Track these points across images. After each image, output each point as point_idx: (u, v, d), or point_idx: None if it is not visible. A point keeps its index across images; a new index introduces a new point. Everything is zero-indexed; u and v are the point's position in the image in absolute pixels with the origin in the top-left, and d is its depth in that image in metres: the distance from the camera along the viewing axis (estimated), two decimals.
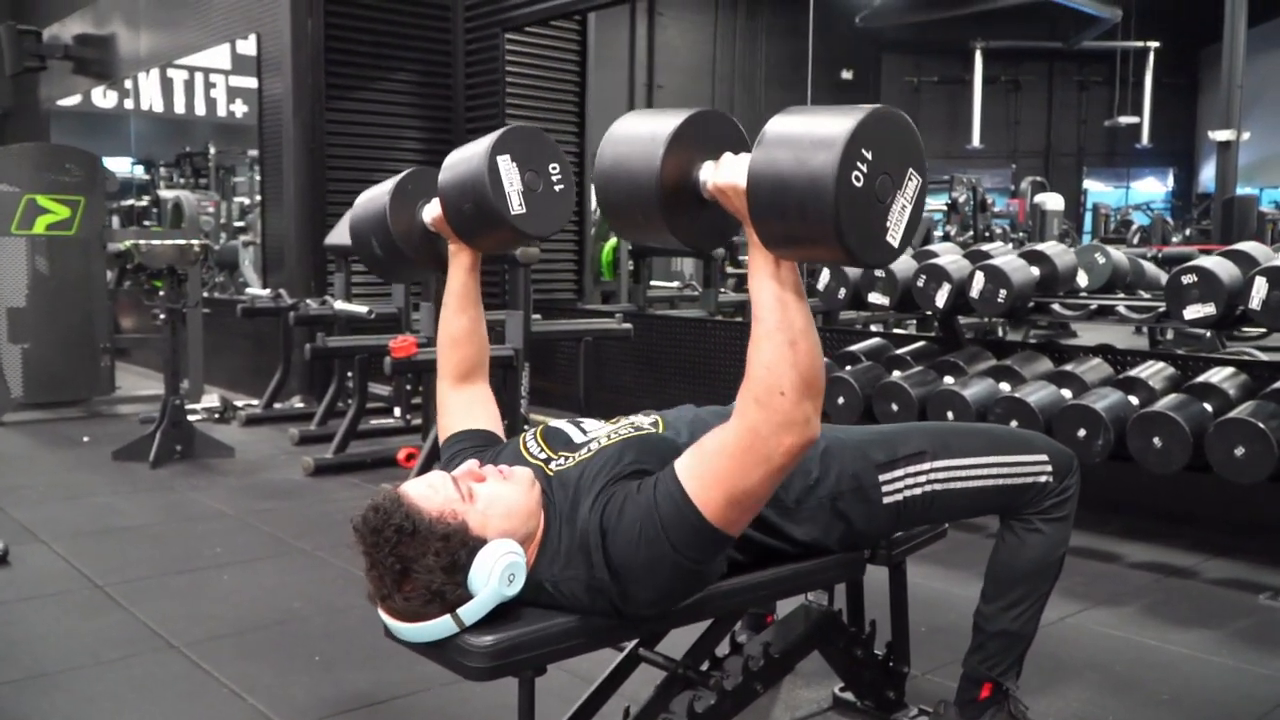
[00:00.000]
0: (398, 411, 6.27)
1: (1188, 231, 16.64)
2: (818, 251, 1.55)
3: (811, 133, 1.49)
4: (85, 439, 6.02)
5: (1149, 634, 3.11)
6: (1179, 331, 8.32)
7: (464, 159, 2.10)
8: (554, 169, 2.15)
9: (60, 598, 3.39)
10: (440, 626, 1.71)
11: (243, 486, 4.93)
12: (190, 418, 5.71)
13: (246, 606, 3.31)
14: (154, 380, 7.17)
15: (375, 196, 2.35)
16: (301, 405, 6.88)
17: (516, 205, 2.07)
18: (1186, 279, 3.56)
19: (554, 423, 2.04)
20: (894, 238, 1.55)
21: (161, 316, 5.49)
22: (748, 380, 1.62)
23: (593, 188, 9.92)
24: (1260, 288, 3.38)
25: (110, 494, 4.76)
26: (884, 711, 2.49)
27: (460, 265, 2.22)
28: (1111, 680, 2.78)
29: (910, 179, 1.55)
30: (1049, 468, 2.20)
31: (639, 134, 1.67)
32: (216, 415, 6.66)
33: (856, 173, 1.46)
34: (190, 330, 6.86)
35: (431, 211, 2.24)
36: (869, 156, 1.47)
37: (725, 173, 1.62)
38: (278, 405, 6.82)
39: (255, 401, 6.90)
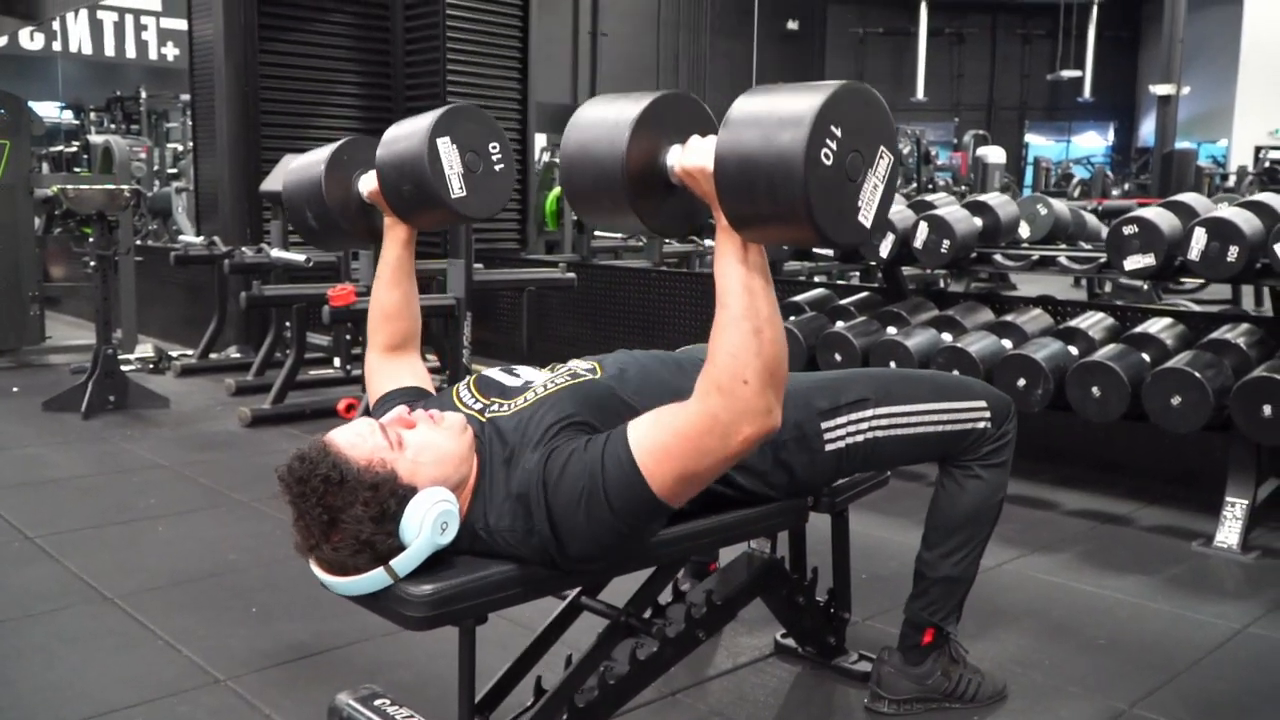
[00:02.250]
0: (337, 361, 6.17)
1: (1126, 185, 16.85)
2: (788, 232, 1.52)
3: (779, 111, 1.45)
4: (14, 389, 5.87)
5: (1085, 580, 3.15)
6: (1117, 284, 8.45)
7: (402, 136, 2.05)
8: (494, 148, 2.12)
9: None
10: (374, 579, 1.67)
11: (178, 437, 4.84)
12: (124, 368, 5.58)
13: (182, 558, 3.24)
14: (86, 330, 6.99)
15: (310, 164, 2.29)
16: (238, 355, 6.76)
17: (457, 188, 2.04)
18: (1127, 230, 3.57)
19: (487, 371, 2.00)
20: (866, 217, 1.52)
21: (92, 264, 5.35)
22: (710, 365, 1.59)
23: (538, 147, 9.81)
24: (1199, 238, 3.40)
25: (41, 445, 4.65)
26: (825, 657, 2.51)
27: (395, 239, 2.17)
28: (1049, 625, 2.81)
29: (882, 157, 1.53)
30: (987, 414, 2.21)
31: (604, 119, 1.63)
32: (151, 365, 6.52)
33: (826, 150, 1.43)
34: (123, 278, 6.70)
35: (368, 184, 2.18)
36: (838, 134, 1.44)
37: (692, 155, 1.59)
38: (214, 355, 6.71)
39: (190, 352, 6.78)
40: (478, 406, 1.89)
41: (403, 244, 2.17)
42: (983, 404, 2.22)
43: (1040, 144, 27.03)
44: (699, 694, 2.40)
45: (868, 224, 1.53)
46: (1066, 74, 23.30)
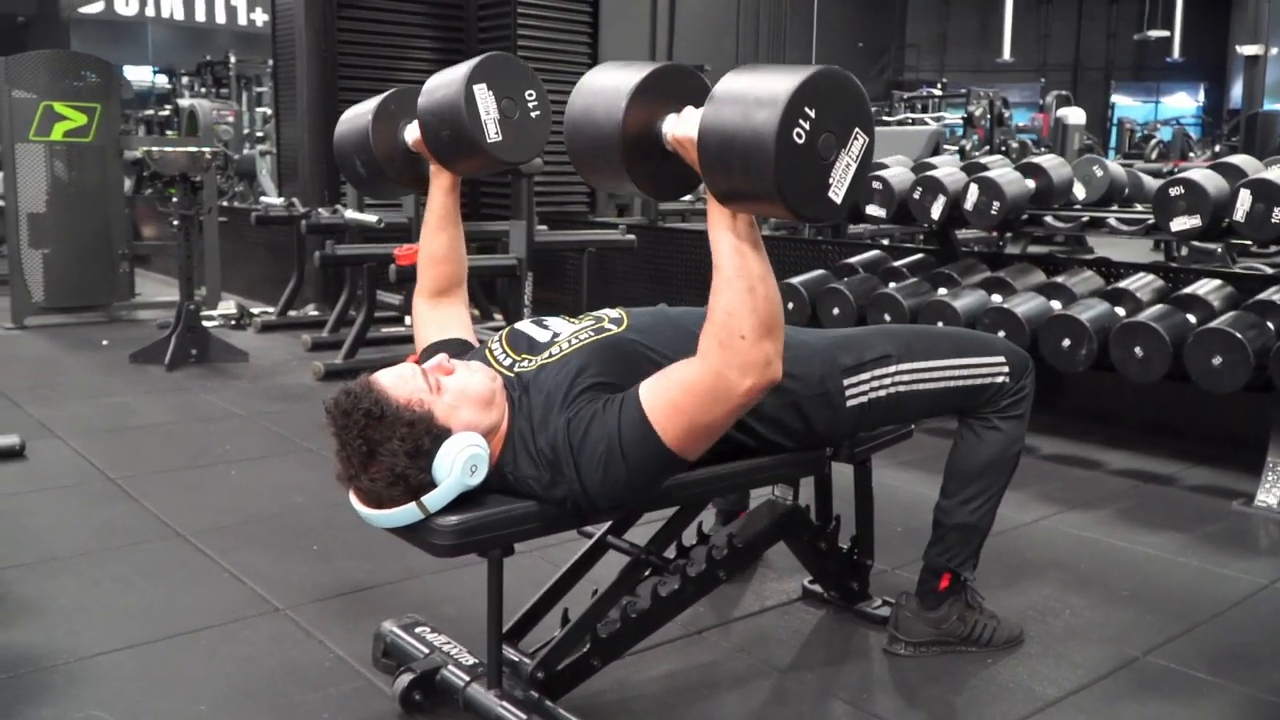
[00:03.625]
0: (408, 320, 6.37)
1: (1217, 148, 16.43)
2: (762, 205, 1.63)
3: (757, 90, 1.56)
4: (104, 342, 6.17)
5: (1118, 536, 3.20)
6: (1194, 249, 8.32)
7: (441, 85, 2.15)
8: (530, 95, 2.20)
9: (73, 489, 3.54)
10: (407, 513, 1.82)
11: (254, 389, 5.07)
12: (208, 324, 5.83)
13: (251, 500, 3.45)
14: (174, 287, 7.27)
15: (358, 115, 2.39)
16: (316, 313, 7.00)
17: (493, 133, 2.13)
18: (1174, 191, 3.59)
19: (519, 325, 2.12)
20: (836, 194, 1.62)
21: (175, 223, 5.60)
22: (710, 324, 1.72)
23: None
24: (1245, 200, 3.41)
25: (126, 394, 4.90)
26: (848, 602, 2.61)
27: (440, 186, 2.29)
28: (1075, 577, 2.88)
29: (856, 138, 1.63)
30: (1006, 369, 2.28)
31: (605, 86, 1.74)
32: (233, 322, 6.79)
33: (798, 129, 1.53)
34: (207, 238, 6.97)
35: (413, 133, 2.29)
36: (811, 114, 1.54)
37: (682, 125, 1.70)
38: (292, 312, 6.95)
39: (271, 309, 7.03)
40: (507, 362, 2.01)
41: (446, 190, 2.29)
42: (1001, 359, 2.30)
43: (1128, 105, 26.37)
44: (724, 633, 2.53)
45: (838, 200, 1.63)
46: (1154, 34, 22.65)
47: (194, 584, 2.78)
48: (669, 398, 1.78)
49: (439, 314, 2.31)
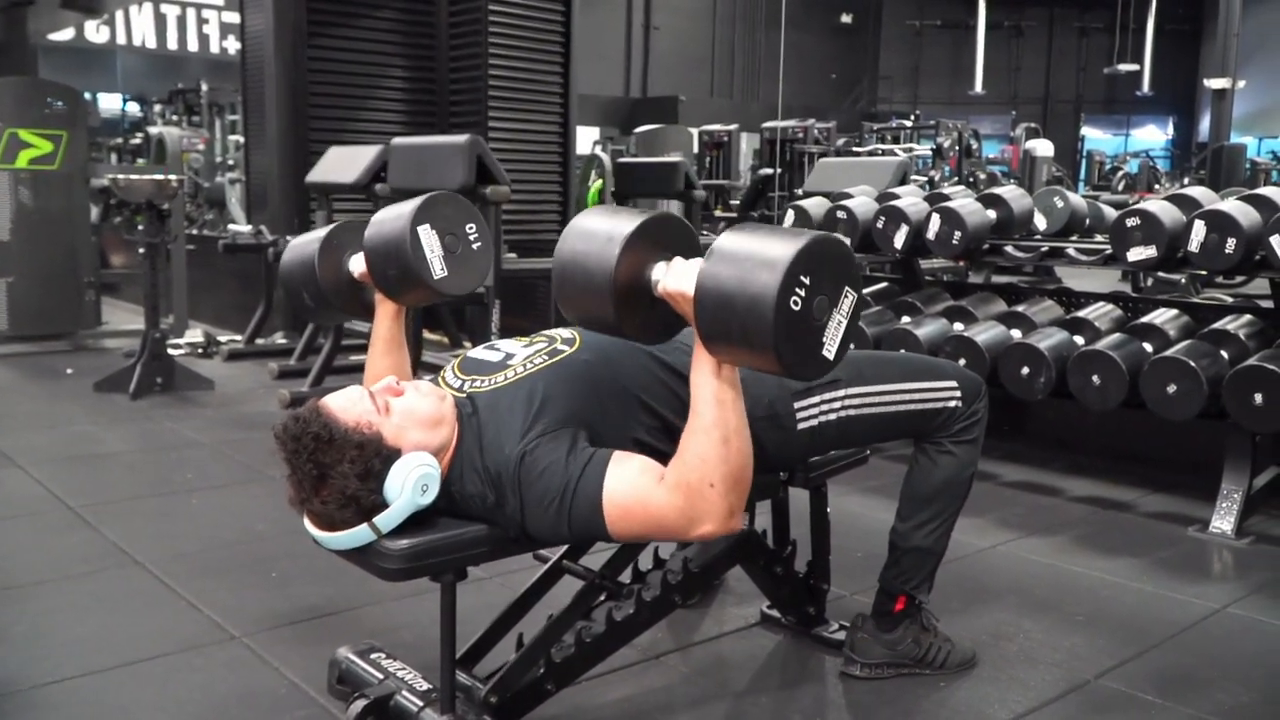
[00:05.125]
0: None
1: (1186, 180, 16.64)
2: (756, 361, 1.68)
3: (756, 254, 1.62)
4: (69, 371, 6.13)
5: (1075, 561, 3.23)
6: (1159, 280, 8.43)
7: (387, 222, 2.21)
8: (470, 229, 2.27)
9: (33, 518, 3.52)
10: (359, 534, 1.83)
11: (219, 418, 5.05)
12: (175, 352, 5.81)
13: (211, 528, 3.44)
14: (142, 316, 7.27)
15: (304, 244, 2.45)
16: (284, 341, 6.98)
17: (438, 270, 2.19)
18: (1130, 222, 3.64)
19: (471, 352, 2.15)
20: (829, 351, 1.70)
21: (141, 251, 5.59)
22: (681, 465, 1.78)
23: (588, 138, 9.92)
24: (1199, 230, 3.47)
25: (89, 423, 4.88)
26: (805, 627, 2.62)
27: (385, 314, 2.32)
28: (1030, 602, 2.91)
29: (846, 296, 1.70)
30: (958, 393, 2.31)
31: (598, 231, 1.78)
32: (200, 350, 6.76)
33: (795, 297, 1.60)
34: (174, 266, 6.96)
35: (359, 265, 2.34)
36: (807, 281, 1.61)
37: (675, 279, 1.74)
38: (260, 341, 6.93)
39: (239, 337, 7.01)
40: (457, 385, 2.03)
41: (392, 317, 2.32)
42: (953, 384, 2.32)
43: (1099, 137, 26.73)
44: (683, 658, 2.53)
45: (830, 357, 1.70)
46: (1124, 67, 23.01)
47: (151, 612, 2.77)
48: (628, 504, 1.82)
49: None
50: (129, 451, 4.44)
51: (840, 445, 2.36)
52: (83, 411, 5.10)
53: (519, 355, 2.06)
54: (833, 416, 2.24)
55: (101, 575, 3.02)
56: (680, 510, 1.77)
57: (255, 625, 2.66)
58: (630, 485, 1.82)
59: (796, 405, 2.20)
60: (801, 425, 2.21)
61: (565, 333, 2.11)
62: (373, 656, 2.22)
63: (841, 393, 2.24)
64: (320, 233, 2.43)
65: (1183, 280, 7.83)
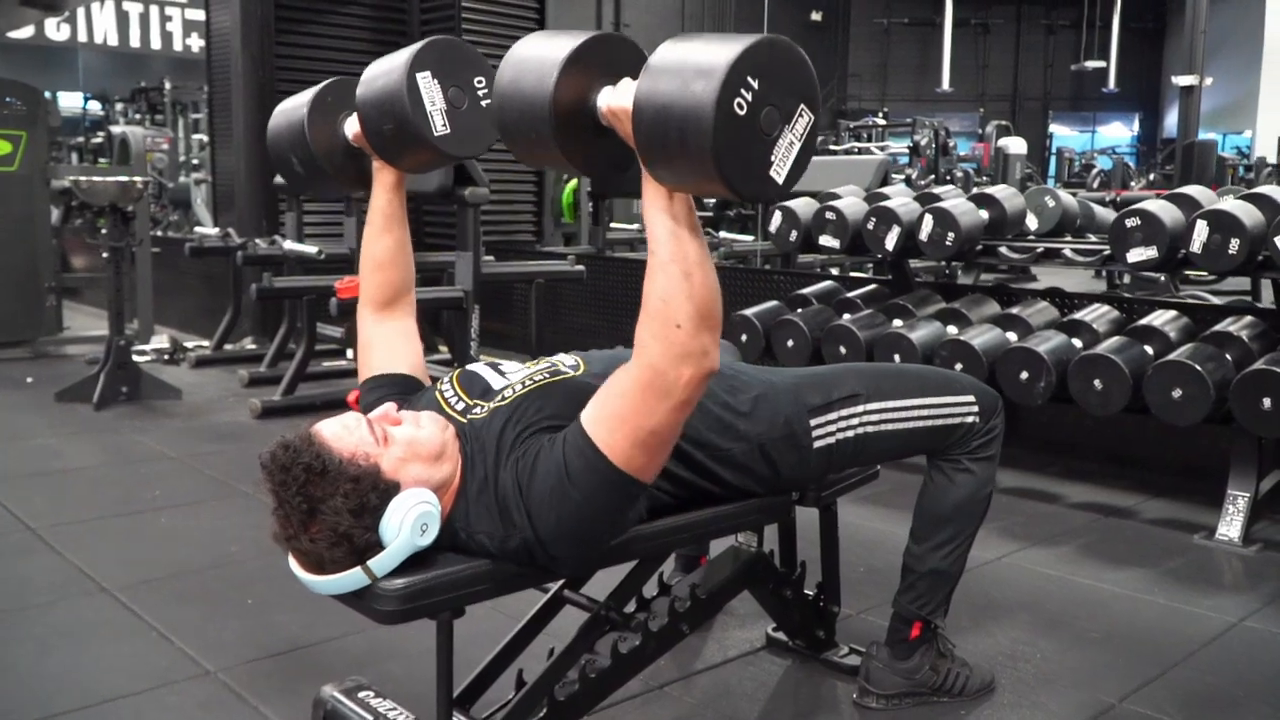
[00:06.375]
0: (350, 353, 6.20)
1: (1152, 176, 16.71)
2: (699, 183, 1.51)
3: (696, 59, 1.44)
4: (29, 380, 5.92)
5: (1083, 573, 3.13)
6: (1134, 276, 8.38)
7: (381, 73, 1.98)
8: (479, 83, 2.04)
9: None
10: (352, 578, 1.67)
11: (188, 429, 4.87)
12: (140, 359, 5.63)
13: (182, 550, 3.27)
14: (105, 321, 7.06)
15: (294, 108, 2.21)
16: (253, 347, 6.80)
17: (440, 125, 1.97)
18: (1130, 222, 3.55)
19: (472, 366, 1.99)
20: (778, 173, 1.50)
21: (105, 254, 5.40)
22: (644, 314, 1.60)
23: None
24: (1201, 231, 3.38)
25: (51, 436, 4.69)
26: (814, 651, 2.50)
27: (384, 184, 2.11)
28: (1043, 619, 2.80)
29: (801, 115, 1.51)
30: (975, 409, 2.20)
31: (536, 55, 1.61)
32: (166, 356, 6.56)
33: (739, 100, 1.42)
34: (139, 269, 6.76)
35: (353, 126, 2.11)
36: (755, 85, 1.43)
37: (617, 97, 1.58)
38: (229, 347, 6.75)
39: (206, 343, 6.82)
40: (460, 407, 1.88)
41: (391, 188, 2.11)
42: (970, 399, 2.21)
43: (1066, 135, 26.84)
44: (686, 687, 2.40)
45: (780, 180, 1.51)
46: (1090, 64, 23.11)
47: (118, 645, 2.60)
48: (609, 409, 1.66)
49: (385, 330, 2.13)
50: (93, 466, 4.26)
51: (856, 463, 2.23)
52: (44, 423, 4.90)
53: (519, 375, 1.92)
54: (850, 433, 2.12)
55: (64, 604, 2.85)
56: (654, 368, 1.59)
57: (232, 658, 2.50)
58: (603, 395, 1.68)
59: (813, 422, 2.08)
60: (819, 444, 2.08)
61: (569, 359, 1.98)
62: (360, 695, 2.08)
63: (860, 408, 2.12)
64: (311, 92, 2.18)
65: (1163, 278, 7.78)
